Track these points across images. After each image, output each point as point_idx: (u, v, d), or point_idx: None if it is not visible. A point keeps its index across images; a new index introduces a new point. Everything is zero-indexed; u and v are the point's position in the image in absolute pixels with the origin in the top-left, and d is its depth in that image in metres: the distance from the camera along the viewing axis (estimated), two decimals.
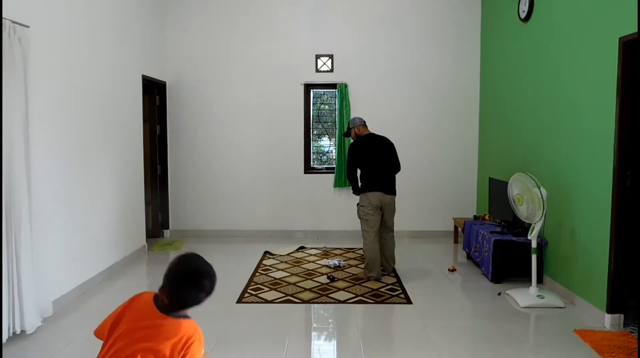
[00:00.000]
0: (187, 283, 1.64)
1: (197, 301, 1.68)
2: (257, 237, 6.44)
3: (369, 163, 4.65)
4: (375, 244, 4.56)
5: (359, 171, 4.74)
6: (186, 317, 1.70)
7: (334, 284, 4.46)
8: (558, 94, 4.26)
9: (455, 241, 6.18)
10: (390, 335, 3.53)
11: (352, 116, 6.31)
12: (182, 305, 1.67)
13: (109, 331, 1.67)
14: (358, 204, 4.67)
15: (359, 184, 4.73)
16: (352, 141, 4.85)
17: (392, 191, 4.64)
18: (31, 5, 3.49)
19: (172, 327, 1.63)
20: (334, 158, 6.56)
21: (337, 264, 5.01)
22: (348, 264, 5.05)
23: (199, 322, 3.87)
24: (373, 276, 4.54)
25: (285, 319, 3.68)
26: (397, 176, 4.72)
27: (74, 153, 4.12)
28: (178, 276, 1.65)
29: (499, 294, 4.21)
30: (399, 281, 4.57)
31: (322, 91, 6.60)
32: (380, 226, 4.66)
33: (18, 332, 3.24)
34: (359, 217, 4.63)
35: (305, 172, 6.51)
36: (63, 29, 3.94)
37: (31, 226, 3.31)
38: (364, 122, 4.84)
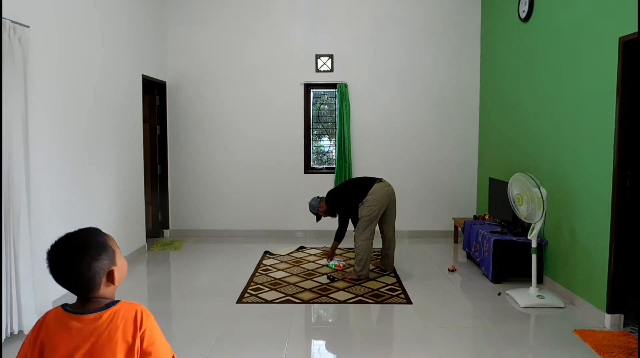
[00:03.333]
0: (72, 260, 1.37)
1: (95, 268, 1.37)
2: (257, 237, 6.43)
3: (350, 183, 4.95)
4: (372, 242, 4.62)
5: (347, 204, 4.81)
6: (113, 302, 1.40)
7: (334, 284, 4.46)
8: (558, 94, 4.26)
9: (455, 241, 6.18)
10: (390, 335, 3.53)
11: (351, 116, 6.33)
12: (88, 283, 1.36)
13: None
14: (361, 204, 4.62)
15: (352, 204, 4.74)
16: (324, 211, 4.92)
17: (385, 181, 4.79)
18: (31, 5, 3.49)
19: (107, 323, 1.35)
20: (334, 158, 6.56)
21: (337, 263, 5.01)
22: (348, 264, 5.05)
23: (198, 322, 3.87)
24: (364, 275, 4.57)
25: (285, 319, 3.68)
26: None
27: (74, 153, 4.12)
28: (59, 263, 1.38)
29: (499, 294, 4.21)
30: (399, 281, 4.57)
31: (322, 91, 6.60)
32: (387, 225, 4.77)
33: (16, 332, 3.24)
34: (361, 216, 4.61)
35: (305, 172, 6.51)
36: (63, 29, 3.94)
37: (30, 225, 3.31)
38: (317, 197, 5.03)
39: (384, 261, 4.88)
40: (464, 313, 3.87)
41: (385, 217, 4.76)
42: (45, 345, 1.34)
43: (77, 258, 1.36)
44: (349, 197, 4.74)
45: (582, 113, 3.88)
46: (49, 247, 1.39)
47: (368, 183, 4.71)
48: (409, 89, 6.40)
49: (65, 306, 1.40)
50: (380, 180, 4.74)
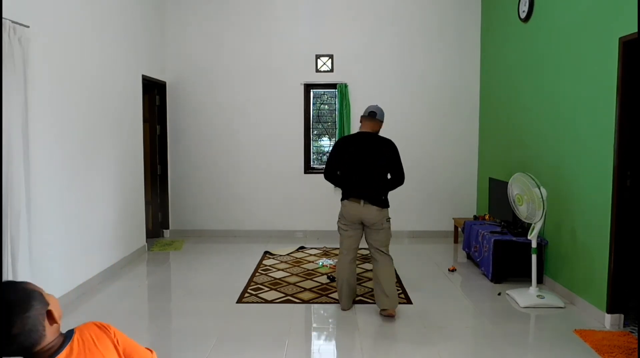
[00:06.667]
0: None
1: (33, 319, 1.27)
2: (257, 237, 6.43)
3: (349, 166, 3.76)
4: (346, 268, 3.78)
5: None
6: (68, 335, 1.36)
7: (334, 284, 4.46)
8: (558, 94, 4.26)
9: (455, 241, 6.18)
10: (390, 335, 3.53)
11: (352, 116, 6.32)
12: (30, 338, 1.26)
13: None
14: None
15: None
16: (378, 130, 4.04)
17: (376, 202, 3.65)
18: (31, 5, 3.49)
19: (77, 351, 1.33)
20: None
21: (326, 264, 5.05)
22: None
23: (198, 322, 3.86)
24: (341, 307, 3.85)
25: (285, 319, 3.68)
26: None
27: (74, 153, 4.12)
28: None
29: (499, 294, 4.21)
30: (398, 281, 4.56)
31: (322, 91, 6.60)
32: (370, 245, 3.80)
33: None
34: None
35: (305, 172, 6.51)
36: (63, 29, 3.94)
37: (30, 226, 3.31)
38: (369, 113, 3.92)
39: (377, 297, 3.76)
40: (464, 313, 3.87)
41: (367, 236, 3.84)
42: None
43: (9, 322, 1.24)
44: (331, 168, 3.86)
45: (582, 113, 3.88)
46: None
47: (348, 190, 3.77)
48: (409, 89, 6.40)
49: None
50: (356, 197, 3.69)
